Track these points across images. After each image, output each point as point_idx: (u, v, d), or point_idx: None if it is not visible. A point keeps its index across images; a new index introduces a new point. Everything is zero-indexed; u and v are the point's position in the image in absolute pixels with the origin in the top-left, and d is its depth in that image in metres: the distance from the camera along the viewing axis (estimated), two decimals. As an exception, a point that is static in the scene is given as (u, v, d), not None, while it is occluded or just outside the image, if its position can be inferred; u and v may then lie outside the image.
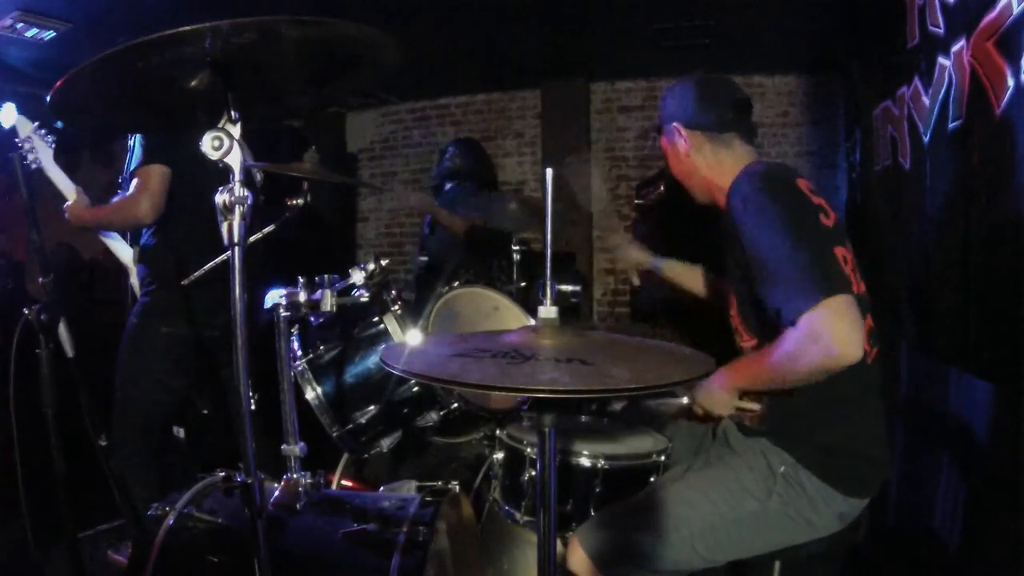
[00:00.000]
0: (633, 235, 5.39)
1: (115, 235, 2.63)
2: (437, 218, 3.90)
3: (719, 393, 1.65)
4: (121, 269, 2.66)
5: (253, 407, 1.21)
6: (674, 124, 1.77)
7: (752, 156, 1.74)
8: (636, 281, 2.27)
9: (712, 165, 1.74)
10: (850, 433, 1.58)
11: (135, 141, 2.40)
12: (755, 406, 1.65)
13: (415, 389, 1.94)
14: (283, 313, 1.55)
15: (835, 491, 1.55)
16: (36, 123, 2.22)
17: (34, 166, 2.38)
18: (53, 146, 2.12)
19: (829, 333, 1.39)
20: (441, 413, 2.01)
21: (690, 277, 2.16)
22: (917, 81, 2.46)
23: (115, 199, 2.41)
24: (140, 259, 2.52)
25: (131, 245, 2.61)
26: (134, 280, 2.59)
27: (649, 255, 2.24)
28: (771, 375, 1.52)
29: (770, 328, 1.52)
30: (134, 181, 2.35)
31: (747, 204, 1.56)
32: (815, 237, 1.51)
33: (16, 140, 2.35)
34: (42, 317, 1.69)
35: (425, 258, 4.08)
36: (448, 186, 4.05)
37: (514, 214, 3.21)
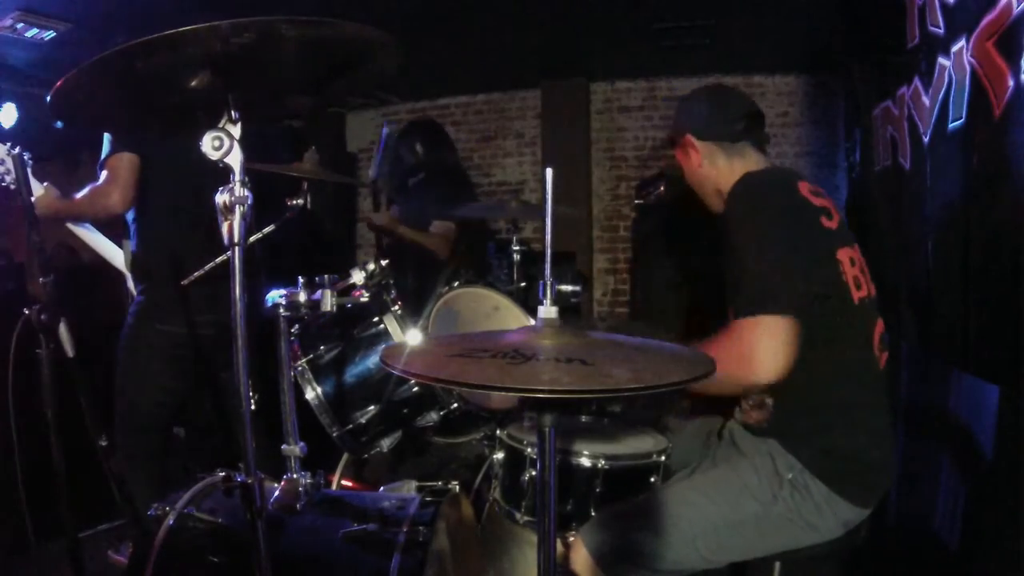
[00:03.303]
0: (632, 235, 5.41)
1: (105, 239, 2.62)
2: (406, 239, 3.24)
3: None
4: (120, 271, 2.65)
5: (253, 407, 1.21)
6: (687, 136, 1.79)
7: (763, 164, 1.75)
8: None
9: (725, 175, 1.74)
10: (858, 438, 1.58)
11: (105, 133, 2.38)
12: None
13: (415, 389, 1.94)
14: (283, 313, 1.55)
15: (841, 499, 1.54)
16: (8, 143, 2.20)
17: (13, 187, 2.34)
18: (31, 163, 2.11)
19: (752, 348, 1.42)
20: (441, 413, 2.01)
21: None
22: (917, 81, 2.46)
23: (85, 189, 2.38)
24: (131, 262, 2.51)
25: (120, 247, 2.60)
26: (131, 285, 2.58)
27: None
28: None
29: None
30: (103, 172, 2.34)
31: (737, 207, 1.59)
32: (793, 248, 1.51)
33: None
34: (42, 317, 1.68)
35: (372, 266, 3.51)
36: (412, 182, 3.46)
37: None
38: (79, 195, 2.39)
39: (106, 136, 2.38)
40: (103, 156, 2.36)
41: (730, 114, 1.75)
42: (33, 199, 2.40)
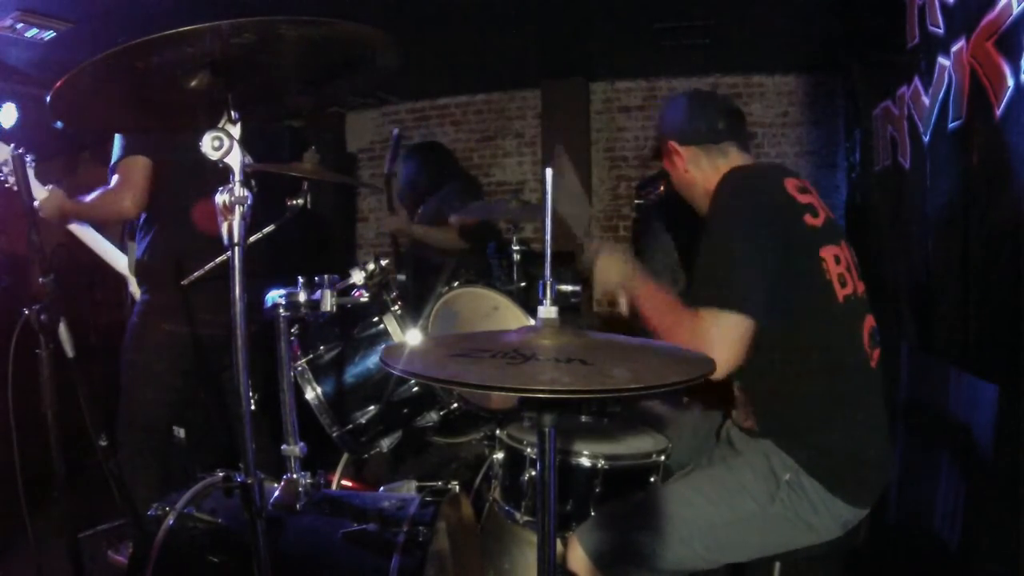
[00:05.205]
0: (632, 235, 5.40)
1: (107, 242, 2.61)
2: (420, 239, 3.43)
3: (614, 282, 1.74)
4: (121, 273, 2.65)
5: (253, 407, 1.21)
6: (670, 142, 1.80)
7: (749, 161, 1.75)
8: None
9: (711, 176, 1.74)
10: (853, 437, 1.58)
11: (116, 136, 2.38)
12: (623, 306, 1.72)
13: (415, 389, 1.94)
14: (283, 313, 1.55)
15: (838, 499, 1.54)
16: (12, 145, 2.20)
17: (16, 188, 2.34)
18: (33, 165, 2.11)
19: (712, 342, 1.44)
20: (441, 413, 2.02)
21: None
22: (917, 81, 2.46)
23: (97, 192, 2.38)
24: (138, 264, 2.51)
25: (123, 251, 2.60)
26: (133, 288, 2.58)
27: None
28: (658, 322, 1.60)
29: None
30: (115, 176, 2.34)
31: (719, 199, 1.60)
32: (768, 248, 1.52)
33: None
34: (42, 317, 1.68)
35: (403, 277, 3.64)
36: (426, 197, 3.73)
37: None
38: (89, 197, 2.38)
39: (117, 139, 2.38)
40: (114, 159, 2.36)
41: (709, 115, 1.75)
42: (38, 202, 2.41)
